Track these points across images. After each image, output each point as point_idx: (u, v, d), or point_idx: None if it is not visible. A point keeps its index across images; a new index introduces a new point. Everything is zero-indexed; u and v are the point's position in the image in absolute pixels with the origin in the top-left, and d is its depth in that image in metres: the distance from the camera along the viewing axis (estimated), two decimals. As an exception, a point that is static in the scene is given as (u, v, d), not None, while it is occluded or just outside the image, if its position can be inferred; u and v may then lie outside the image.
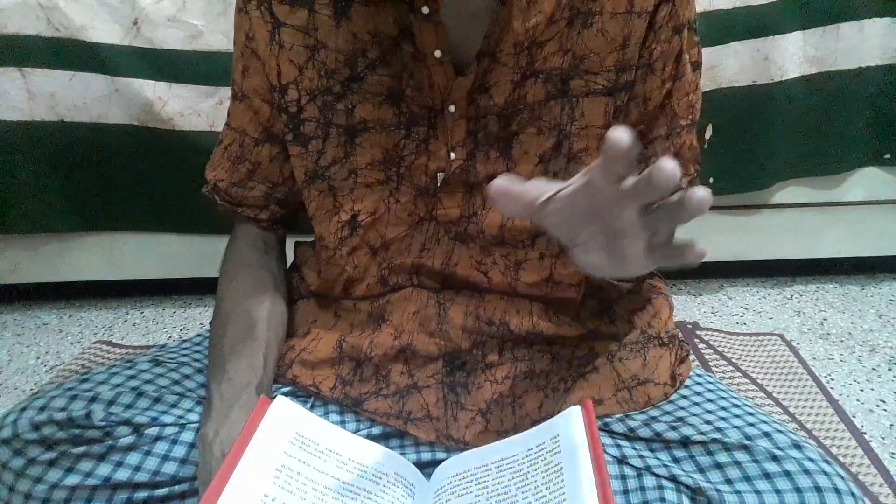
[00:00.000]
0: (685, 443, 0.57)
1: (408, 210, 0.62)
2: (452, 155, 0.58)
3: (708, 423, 0.58)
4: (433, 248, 0.63)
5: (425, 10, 0.54)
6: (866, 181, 1.28)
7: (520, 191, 0.39)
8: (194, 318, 1.35)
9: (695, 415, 0.59)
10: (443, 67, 0.56)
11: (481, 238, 0.62)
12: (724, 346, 1.19)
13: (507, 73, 0.56)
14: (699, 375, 0.66)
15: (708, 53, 1.11)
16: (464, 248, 0.62)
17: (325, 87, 0.59)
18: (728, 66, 1.15)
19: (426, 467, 0.59)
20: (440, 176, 0.59)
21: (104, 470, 0.55)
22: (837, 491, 0.50)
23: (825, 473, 0.52)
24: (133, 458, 0.56)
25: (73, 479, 0.54)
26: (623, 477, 0.57)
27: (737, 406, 0.60)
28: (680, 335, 0.69)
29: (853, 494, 0.51)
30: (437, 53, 0.55)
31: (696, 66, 0.63)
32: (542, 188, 0.40)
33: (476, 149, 0.59)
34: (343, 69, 0.58)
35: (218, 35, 1.12)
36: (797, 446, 0.54)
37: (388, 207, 0.61)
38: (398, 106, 0.58)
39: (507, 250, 0.62)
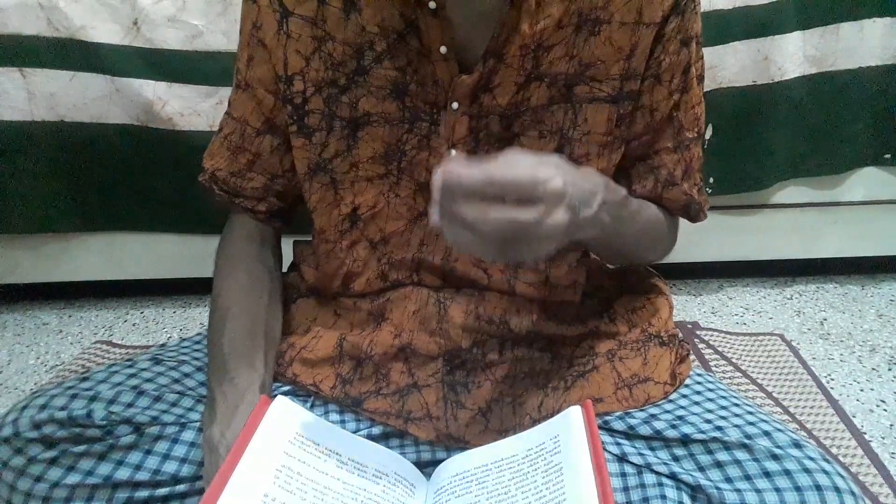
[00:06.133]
0: (685, 441, 0.57)
1: (407, 205, 0.62)
2: (453, 152, 0.59)
3: (708, 422, 0.58)
4: (432, 244, 0.63)
5: (432, 4, 0.54)
6: (866, 181, 1.28)
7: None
8: (194, 318, 1.35)
9: (695, 414, 0.59)
10: (447, 64, 0.56)
11: None
12: (724, 346, 1.19)
13: (511, 74, 0.57)
14: (699, 375, 0.66)
15: (708, 53, 1.10)
16: None
17: (330, 79, 0.59)
18: (728, 66, 1.15)
19: (426, 467, 0.59)
20: None
21: (105, 469, 0.55)
22: (837, 489, 0.51)
23: (825, 472, 0.52)
24: (134, 457, 0.56)
25: (73, 478, 0.54)
26: (623, 475, 0.57)
27: (737, 405, 0.60)
28: (680, 335, 0.69)
29: (853, 493, 0.51)
30: (443, 49, 0.55)
31: (700, 79, 0.63)
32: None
33: (477, 147, 0.59)
34: (350, 62, 0.58)
35: (218, 35, 1.11)
36: (797, 445, 0.54)
37: (388, 201, 0.62)
38: (402, 100, 0.58)
39: None
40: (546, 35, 0.56)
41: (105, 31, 1.10)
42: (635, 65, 0.58)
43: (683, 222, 0.70)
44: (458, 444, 0.60)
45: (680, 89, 0.61)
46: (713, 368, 1.13)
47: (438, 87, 0.57)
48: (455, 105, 0.57)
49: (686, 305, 1.35)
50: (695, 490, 0.53)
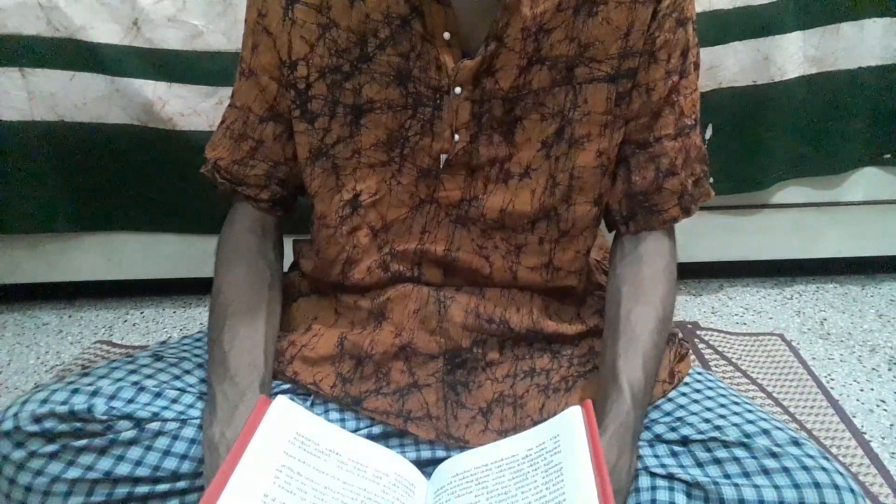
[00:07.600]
0: (684, 441, 0.57)
1: (409, 192, 0.62)
2: (456, 136, 0.59)
3: (707, 421, 0.58)
4: (434, 232, 0.63)
5: None
6: (866, 181, 1.28)
7: None
8: (194, 318, 1.35)
9: (694, 413, 0.59)
10: (450, 49, 0.57)
11: (482, 221, 0.62)
12: (724, 346, 1.19)
13: (513, 57, 0.57)
14: (699, 374, 0.66)
15: (708, 53, 1.11)
16: (465, 231, 0.63)
17: (334, 66, 0.60)
18: (728, 66, 1.14)
19: (426, 466, 0.59)
20: (443, 157, 0.60)
21: (105, 464, 0.55)
22: (836, 487, 0.51)
23: (824, 469, 0.52)
24: (134, 452, 0.56)
25: (73, 473, 0.54)
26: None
27: (736, 404, 0.60)
28: (679, 334, 0.69)
29: (852, 490, 0.51)
30: (446, 35, 0.56)
31: (696, 66, 0.64)
32: None
33: (479, 132, 0.60)
34: (354, 49, 0.59)
35: (218, 35, 1.11)
36: (796, 443, 0.54)
37: (390, 189, 0.62)
38: (405, 86, 0.59)
39: (508, 234, 0.63)
40: (546, 18, 0.57)
41: (105, 31, 1.10)
42: (633, 43, 0.59)
43: (683, 223, 0.70)
44: (459, 443, 0.60)
45: (679, 72, 0.61)
46: (713, 368, 1.13)
47: (441, 72, 0.58)
48: (458, 90, 0.58)
49: (686, 305, 1.35)
50: (692, 487, 0.53)
